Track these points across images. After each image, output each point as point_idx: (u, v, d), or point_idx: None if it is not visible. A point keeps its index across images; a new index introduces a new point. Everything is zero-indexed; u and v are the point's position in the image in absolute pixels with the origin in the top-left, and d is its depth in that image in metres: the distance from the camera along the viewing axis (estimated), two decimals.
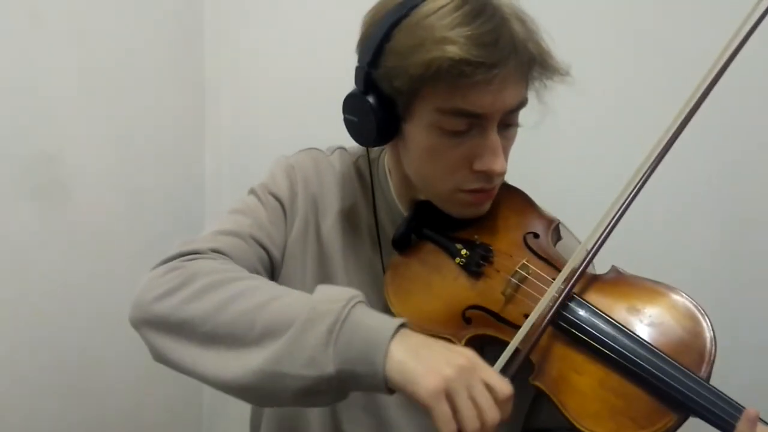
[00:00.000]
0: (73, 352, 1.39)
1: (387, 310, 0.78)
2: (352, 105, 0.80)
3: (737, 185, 1.30)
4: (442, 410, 0.61)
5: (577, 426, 0.68)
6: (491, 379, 0.63)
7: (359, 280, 0.86)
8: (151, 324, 0.73)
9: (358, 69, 0.79)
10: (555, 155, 1.40)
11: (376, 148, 0.90)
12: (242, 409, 0.96)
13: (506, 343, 0.70)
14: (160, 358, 0.74)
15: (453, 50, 0.70)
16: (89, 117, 1.43)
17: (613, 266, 0.78)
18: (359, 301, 0.68)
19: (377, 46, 0.75)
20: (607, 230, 0.72)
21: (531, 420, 0.85)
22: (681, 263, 1.27)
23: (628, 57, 1.35)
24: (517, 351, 0.69)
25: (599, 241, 0.72)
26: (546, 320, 0.70)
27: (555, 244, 0.83)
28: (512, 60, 0.72)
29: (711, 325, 0.71)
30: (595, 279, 0.77)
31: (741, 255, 1.28)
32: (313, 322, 0.65)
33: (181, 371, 0.73)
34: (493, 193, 0.81)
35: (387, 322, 0.66)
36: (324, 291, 0.70)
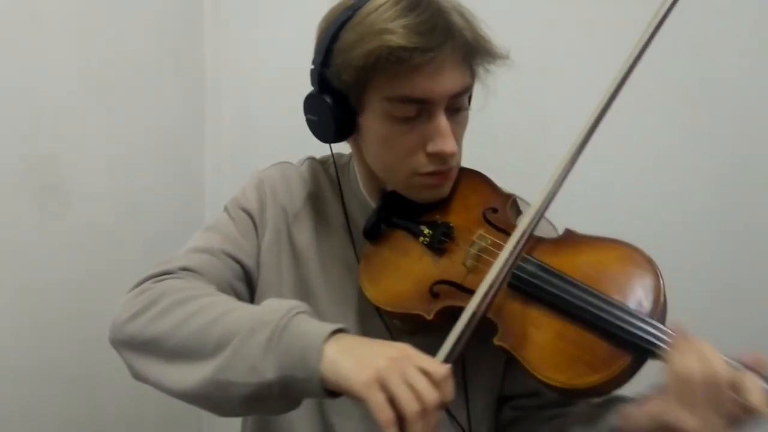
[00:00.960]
0: (72, 352, 1.39)
1: (362, 298, 0.84)
2: (310, 105, 0.86)
3: (737, 185, 1.30)
4: (376, 398, 0.63)
5: (540, 378, 0.72)
6: (425, 364, 0.65)
7: (336, 274, 0.90)
8: (125, 344, 0.78)
9: (312, 71, 0.84)
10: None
11: (346, 154, 0.96)
12: None
13: (483, 318, 0.75)
14: (137, 376, 0.78)
15: (391, 39, 0.75)
16: (89, 117, 1.43)
17: (566, 228, 0.82)
18: (300, 312, 0.71)
19: (327, 47, 0.81)
20: (552, 194, 0.77)
21: (507, 386, 0.89)
22: (680, 262, 1.27)
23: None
24: (475, 314, 0.73)
25: (544, 205, 0.77)
26: (499, 281, 0.74)
27: (515, 219, 0.87)
28: (449, 45, 0.77)
29: (659, 271, 0.74)
30: (549, 241, 0.81)
31: (740, 254, 1.28)
32: (255, 332, 0.69)
33: (155, 387, 0.76)
34: (449, 175, 0.85)
35: (323, 327, 0.69)
36: (269, 304, 0.74)
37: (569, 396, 0.74)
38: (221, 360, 0.69)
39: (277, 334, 0.68)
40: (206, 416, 1.77)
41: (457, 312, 0.75)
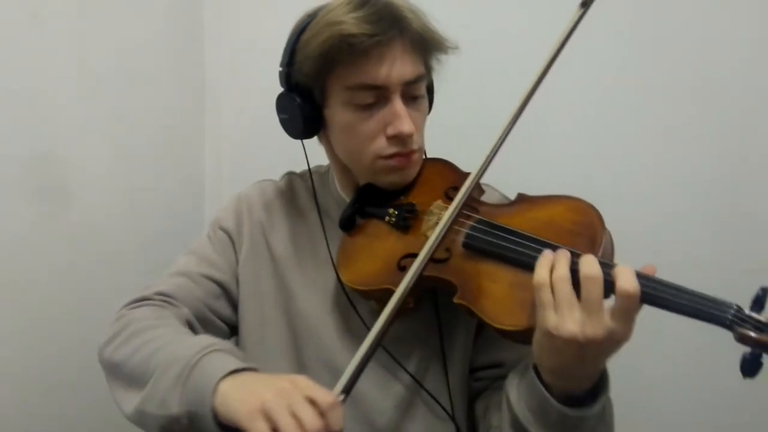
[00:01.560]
0: (73, 352, 1.39)
1: (339, 291, 0.92)
2: (280, 104, 0.93)
3: (736, 183, 1.30)
4: (258, 428, 0.66)
5: (497, 326, 0.76)
6: (313, 393, 0.68)
7: (312, 272, 0.96)
8: (103, 367, 0.89)
9: (280, 72, 0.92)
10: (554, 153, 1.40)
11: (325, 165, 1.03)
12: None
13: (444, 280, 0.81)
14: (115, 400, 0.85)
15: (341, 28, 0.83)
16: (89, 117, 1.43)
17: (518, 193, 0.88)
18: (215, 350, 0.76)
19: (291, 49, 0.90)
20: (490, 158, 0.82)
21: (474, 358, 0.93)
22: (680, 261, 1.27)
23: (624, 56, 1.35)
24: (421, 276, 0.78)
25: (483, 168, 0.83)
26: (441, 236, 0.79)
27: (479, 196, 0.93)
28: (397, 32, 0.85)
29: (600, 216, 0.79)
30: (503, 205, 0.89)
31: (740, 253, 1.28)
32: (170, 368, 0.76)
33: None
34: (412, 157, 0.90)
35: (226, 366, 0.73)
36: (193, 340, 0.80)
37: (523, 340, 0.77)
38: (145, 391, 0.77)
39: (186, 372, 0.74)
40: None
41: (423, 280, 0.79)
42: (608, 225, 0.80)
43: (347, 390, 0.72)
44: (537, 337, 0.71)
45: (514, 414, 0.76)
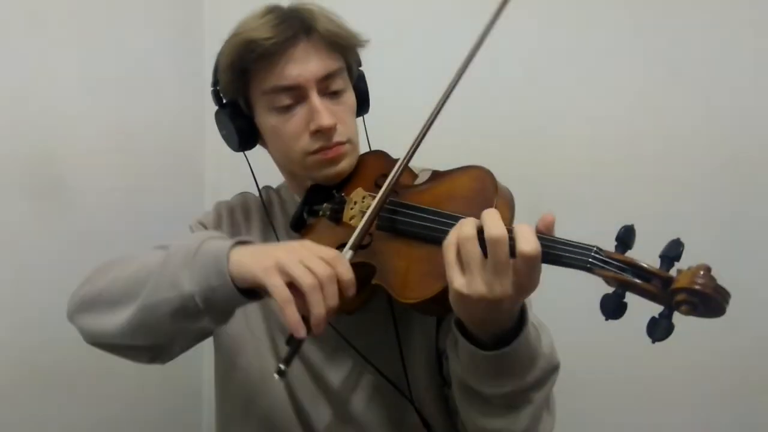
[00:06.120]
0: (72, 352, 1.39)
1: None
2: (217, 121, 1.00)
3: (736, 183, 1.30)
4: (274, 281, 0.71)
5: (402, 301, 0.79)
6: (320, 249, 0.75)
7: None
8: (78, 308, 0.89)
9: (211, 93, 0.99)
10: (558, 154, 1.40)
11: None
12: None
13: (367, 265, 0.83)
14: (89, 337, 0.89)
15: (244, 36, 0.89)
16: (89, 117, 1.43)
17: (432, 170, 0.92)
18: (212, 237, 0.80)
19: (215, 68, 0.97)
20: (415, 146, 0.84)
21: (441, 339, 0.94)
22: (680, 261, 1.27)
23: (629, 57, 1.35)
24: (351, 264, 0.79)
25: (408, 156, 0.84)
26: (367, 222, 0.82)
27: (411, 183, 0.94)
28: (301, 33, 0.89)
29: (493, 180, 0.81)
30: (417, 185, 0.91)
31: (740, 253, 1.28)
32: (172, 257, 0.79)
33: (103, 341, 0.87)
34: (339, 150, 0.93)
35: (229, 241, 0.78)
36: (188, 241, 0.82)
37: (430, 311, 0.81)
38: (148, 287, 0.78)
39: (192, 253, 0.77)
40: (206, 417, 1.78)
41: (359, 267, 0.82)
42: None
43: (354, 247, 0.79)
44: (450, 296, 0.72)
45: (456, 373, 0.80)
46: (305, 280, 0.71)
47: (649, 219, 1.34)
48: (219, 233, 0.86)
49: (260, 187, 1.08)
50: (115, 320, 0.82)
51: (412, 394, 0.93)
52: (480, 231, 0.69)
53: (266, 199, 1.08)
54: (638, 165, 1.36)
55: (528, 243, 0.66)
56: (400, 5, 1.52)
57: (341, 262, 0.74)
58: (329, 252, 0.75)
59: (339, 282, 0.73)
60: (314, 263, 0.72)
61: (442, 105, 0.84)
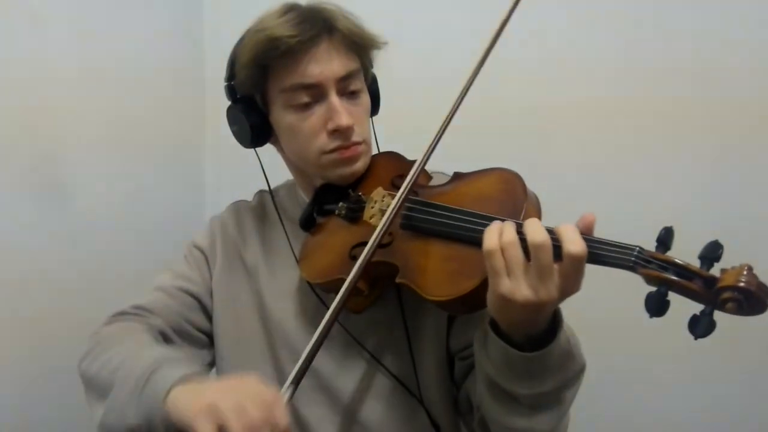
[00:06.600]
0: (73, 352, 1.38)
1: (305, 290, 0.96)
2: (229, 116, 0.98)
3: (737, 183, 1.30)
4: (203, 426, 0.68)
5: (430, 299, 0.78)
6: (258, 389, 0.72)
7: (280, 275, 1.00)
8: (82, 382, 0.91)
9: (225, 88, 0.97)
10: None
11: (291, 181, 1.07)
12: None
13: (388, 264, 0.83)
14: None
15: (268, 32, 0.89)
16: (89, 117, 1.43)
17: (454, 172, 0.90)
18: (166, 362, 0.80)
19: (230, 62, 0.96)
20: (432, 148, 0.84)
21: (453, 342, 0.93)
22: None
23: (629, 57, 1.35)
24: (370, 262, 0.81)
25: (426, 156, 0.84)
26: (389, 221, 0.81)
27: (426, 184, 0.94)
28: (323, 33, 0.90)
29: (522, 182, 0.81)
30: (439, 185, 0.90)
31: (740, 253, 1.28)
32: (125, 383, 0.80)
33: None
34: (356, 150, 0.93)
35: (175, 373, 0.77)
36: (149, 353, 0.83)
37: (457, 309, 0.81)
38: (106, 405, 0.81)
39: (141, 384, 0.78)
40: None
41: (374, 266, 0.82)
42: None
43: (296, 381, 0.75)
44: (491, 300, 0.72)
45: (485, 372, 0.78)
46: (234, 426, 0.67)
47: (649, 218, 1.36)
48: (175, 353, 0.87)
49: (255, 191, 1.09)
50: (97, 411, 0.84)
51: (422, 394, 0.93)
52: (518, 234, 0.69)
53: (258, 203, 1.08)
54: (639, 164, 1.36)
55: (574, 244, 0.66)
56: (400, 5, 1.52)
57: (279, 408, 0.71)
58: (268, 394, 0.71)
59: (273, 428, 0.69)
60: (249, 407, 0.69)
61: (459, 104, 0.83)
